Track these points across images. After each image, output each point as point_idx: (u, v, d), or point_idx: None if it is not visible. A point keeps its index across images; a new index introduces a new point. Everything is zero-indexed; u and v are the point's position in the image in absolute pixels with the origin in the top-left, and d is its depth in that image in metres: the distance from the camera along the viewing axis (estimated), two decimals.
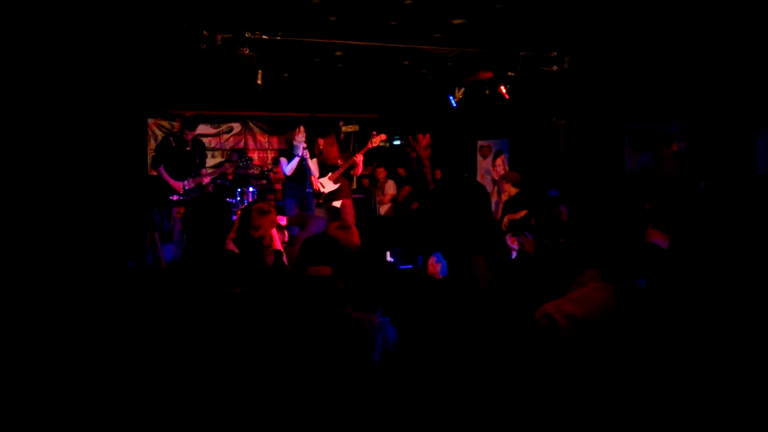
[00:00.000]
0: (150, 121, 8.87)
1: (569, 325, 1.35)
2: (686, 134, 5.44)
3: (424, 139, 2.29)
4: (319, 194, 5.64)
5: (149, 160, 8.08)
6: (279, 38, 4.90)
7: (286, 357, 2.11)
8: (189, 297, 2.29)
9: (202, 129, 9.27)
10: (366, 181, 8.46)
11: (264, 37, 4.84)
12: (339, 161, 5.71)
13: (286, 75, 7.00)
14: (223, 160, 8.59)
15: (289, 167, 5.66)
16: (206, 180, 6.43)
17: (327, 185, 5.71)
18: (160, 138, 8.23)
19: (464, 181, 1.81)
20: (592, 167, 6.23)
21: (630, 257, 1.43)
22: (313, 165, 5.66)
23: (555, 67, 5.66)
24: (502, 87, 6.26)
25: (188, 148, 6.28)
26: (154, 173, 6.50)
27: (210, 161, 8.20)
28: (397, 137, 9.70)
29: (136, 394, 2.28)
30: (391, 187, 8.51)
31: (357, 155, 5.65)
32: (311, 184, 5.51)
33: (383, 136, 5.64)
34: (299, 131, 5.55)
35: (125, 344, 3.14)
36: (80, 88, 4.51)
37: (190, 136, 6.28)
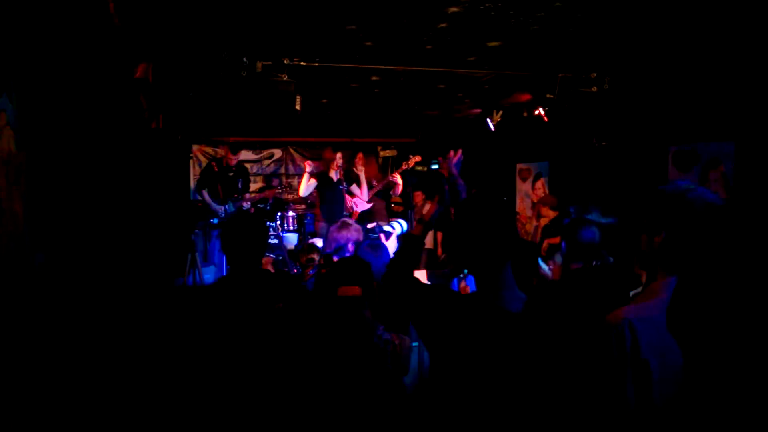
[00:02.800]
0: (194, 147, 9.17)
1: (644, 330, 1.33)
2: (736, 155, 5.22)
3: (456, 156, 2.28)
4: (350, 215, 5.67)
5: (192, 185, 8.33)
6: (317, 64, 5.01)
7: (313, 377, 2.09)
8: (226, 312, 2.32)
9: (244, 155, 9.54)
10: (399, 208, 8.45)
11: (302, 63, 4.95)
12: (374, 182, 5.73)
13: (324, 101, 7.13)
14: (263, 185, 8.75)
15: (302, 189, 5.70)
16: (246, 204, 6.57)
17: (360, 204, 5.73)
18: (204, 163, 8.49)
19: (487, 198, 1.79)
20: (635, 189, 6.05)
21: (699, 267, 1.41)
22: (358, 191, 5.69)
23: (594, 88, 5.56)
24: (541, 109, 6.20)
25: (231, 174, 6.45)
26: (198, 197, 6.69)
27: (251, 186, 8.39)
28: (435, 161, 9.70)
29: (171, 403, 2.31)
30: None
31: (394, 173, 5.66)
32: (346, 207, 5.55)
33: (419, 158, 5.65)
34: (307, 163, 5.66)
35: (167, 356, 3.21)
36: (127, 115, 4.73)
37: (233, 161, 6.44)
